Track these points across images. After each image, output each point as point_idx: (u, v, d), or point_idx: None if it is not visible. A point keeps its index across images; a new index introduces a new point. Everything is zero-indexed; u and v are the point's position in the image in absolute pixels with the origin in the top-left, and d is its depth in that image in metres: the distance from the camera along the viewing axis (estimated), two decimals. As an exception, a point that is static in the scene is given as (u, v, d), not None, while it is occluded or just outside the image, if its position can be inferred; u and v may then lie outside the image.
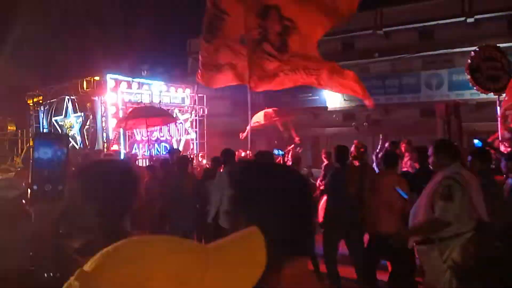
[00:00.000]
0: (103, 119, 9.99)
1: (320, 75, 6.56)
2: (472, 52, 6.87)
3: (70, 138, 11.02)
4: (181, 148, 10.86)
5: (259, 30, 6.47)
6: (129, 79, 10.51)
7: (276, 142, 9.18)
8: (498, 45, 7.17)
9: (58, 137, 1.18)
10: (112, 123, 9.85)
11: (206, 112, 12.09)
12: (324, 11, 6.29)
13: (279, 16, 6.42)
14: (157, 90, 11.00)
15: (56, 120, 11.86)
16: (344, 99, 19.09)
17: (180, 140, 11.50)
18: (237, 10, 6.60)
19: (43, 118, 12.41)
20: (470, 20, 16.29)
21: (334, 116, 19.32)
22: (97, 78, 10.30)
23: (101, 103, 10.02)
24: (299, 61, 6.56)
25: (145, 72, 11.99)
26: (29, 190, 1.12)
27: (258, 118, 9.46)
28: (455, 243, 3.02)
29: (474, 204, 3.07)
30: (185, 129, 11.51)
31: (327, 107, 19.29)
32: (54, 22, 16.81)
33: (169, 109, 10.73)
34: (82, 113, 10.78)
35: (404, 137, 9.17)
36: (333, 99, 19.17)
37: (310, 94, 19.67)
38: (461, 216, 3.05)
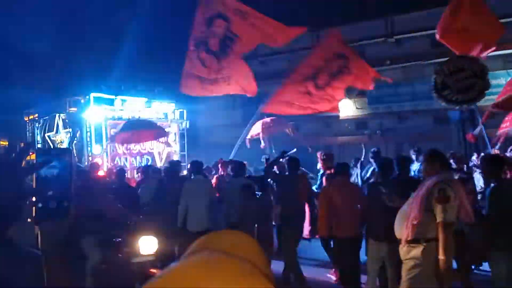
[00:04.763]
0: (88, 134, 10.74)
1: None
2: (434, 74, 6.63)
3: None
4: (163, 160, 11.53)
5: (202, 35, 7.14)
6: (112, 96, 11.18)
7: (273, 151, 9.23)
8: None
9: (61, 152, 1.14)
10: (96, 138, 10.65)
11: (188, 126, 12.81)
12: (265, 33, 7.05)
13: (226, 26, 7.00)
14: (139, 106, 11.75)
15: (48, 136, 12.72)
16: (356, 108, 19.01)
17: (161, 152, 12.03)
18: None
19: (37, 134, 13.27)
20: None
21: (346, 124, 19.21)
22: (82, 96, 11.16)
23: (85, 119, 10.81)
24: (232, 71, 7.16)
25: (156, 91, 12.50)
26: (33, 208, 1.09)
27: (257, 127, 9.55)
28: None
29: (465, 208, 3.42)
30: (167, 142, 12.08)
31: (338, 116, 19.19)
32: (46, 40, 17.42)
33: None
34: (71, 129, 11.54)
35: (417, 145, 9.06)
36: (345, 108, 19.09)
37: (322, 103, 19.63)
38: None
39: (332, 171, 5.81)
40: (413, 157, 7.15)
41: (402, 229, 3.50)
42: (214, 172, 8.28)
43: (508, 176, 4.97)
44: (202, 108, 18.35)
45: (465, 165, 6.69)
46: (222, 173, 7.65)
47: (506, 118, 7.12)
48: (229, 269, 0.55)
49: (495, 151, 6.73)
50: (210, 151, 15.92)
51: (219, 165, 7.96)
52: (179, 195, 5.60)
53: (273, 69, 20.22)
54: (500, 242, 3.91)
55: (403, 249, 3.53)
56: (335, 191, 4.79)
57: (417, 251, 3.38)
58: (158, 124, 10.60)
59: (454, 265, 5.24)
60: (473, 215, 3.48)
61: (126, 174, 7.40)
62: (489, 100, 12.34)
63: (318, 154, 6.74)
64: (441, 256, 3.28)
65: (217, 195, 6.34)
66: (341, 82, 7.14)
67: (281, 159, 6.11)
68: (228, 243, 0.62)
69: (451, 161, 7.59)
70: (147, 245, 4.39)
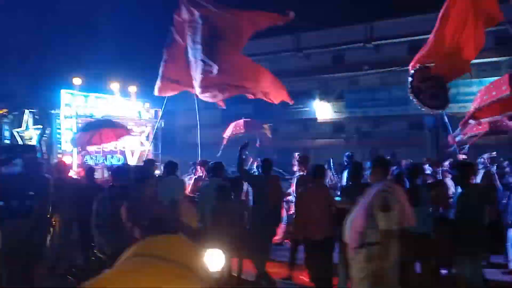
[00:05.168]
0: (58, 131, 10.68)
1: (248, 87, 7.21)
2: (410, 77, 6.91)
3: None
4: (135, 159, 11.42)
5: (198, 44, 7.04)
6: (84, 93, 11.11)
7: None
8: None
9: (26, 150, 1.09)
10: (66, 135, 10.49)
11: (162, 125, 12.85)
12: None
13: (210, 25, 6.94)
14: (113, 104, 11.64)
15: (17, 132, 12.49)
16: (334, 111, 19.22)
17: (134, 151, 12.01)
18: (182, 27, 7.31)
19: (5, 129, 13.03)
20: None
21: (324, 127, 19.41)
22: (53, 92, 10.99)
23: (56, 116, 10.71)
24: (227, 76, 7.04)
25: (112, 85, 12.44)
26: None
27: (230, 128, 9.57)
28: (380, 248, 3.42)
29: (407, 213, 3.51)
30: (140, 142, 12.06)
31: (317, 119, 19.39)
32: (18, 35, 16.94)
33: (123, 122, 11.23)
34: (41, 126, 11.37)
35: (393, 149, 9.24)
36: (323, 111, 19.29)
37: (301, 106, 19.80)
38: None
39: (304, 173, 5.84)
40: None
41: (349, 235, 3.62)
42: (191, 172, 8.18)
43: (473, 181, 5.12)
44: (180, 108, 18.15)
45: (440, 170, 6.86)
46: (201, 174, 7.53)
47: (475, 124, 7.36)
48: (158, 273, 0.56)
49: (462, 156, 6.93)
50: (188, 151, 15.76)
51: (198, 166, 7.85)
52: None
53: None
54: (465, 246, 4.04)
55: (350, 255, 3.63)
56: (309, 193, 4.83)
57: (360, 256, 3.49)
58: (120, 123, 10.43)
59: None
60: (414, 220, 3.57)
61: (95, 173, 7.18)
62: (462, 108, 12.73)
63: (295, 156, 6.76)
64: (376, 261, 3.39)
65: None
66: (228, 47, 6.78)
67: (243, 155, 6.01)
68: (162, 248, 0.64)
69: (426, 166, 7.77)
70: (214, 260, 3.66)
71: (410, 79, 6.75)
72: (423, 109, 6.98)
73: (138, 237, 3.72)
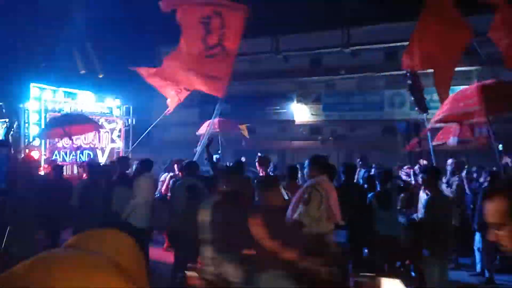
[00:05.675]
0: (26, 125, 10.48)
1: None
2: (407, 74, 7.02)
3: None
4: (105, 156, 11.39)
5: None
6: (54, 88, 10.89)
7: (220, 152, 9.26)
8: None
9: None
10: (34, 130, 10.28)
11: (134, 122, 12.70)
12: None
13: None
14: (83, 99, 11.47)
15: None
16: (312, 114, 19.40)
17: (104, 148, 11.83)
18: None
19: None
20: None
21: (301, 129, 19.56)
22: (21, 85, 10.75)
23: (24, 110, 10.51)
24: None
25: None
26: None
27: (204, 127, 9.61)
28: None
29: (332, 211, 3.66)
30: (111, 138, 11.88)
31: (294, 121, 19.52)
32: None
33: (95, 118, 11.07)
34: (8, 119, 11.15)
35: (367, 153, 9.39)
36: (300, 113, 19.44)
37: (278, 107, 19.90)
38: (321, 219, 3.66)
39: (264, 173, 5.91)
40: (358, 165, 7.41)
41: None
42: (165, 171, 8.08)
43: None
44: (156, 105, 17.93)
45: (412, 174, 7.02)
46: (178, 172, 7.36)
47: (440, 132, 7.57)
48: (78, 265, 0.57)
49: (423, 162, 7.13)
50: (165, 149, 15.57)
51: (175, 165, 7.75)
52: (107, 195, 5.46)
53: (233, 70, 20.17)
54: (434, 247, 4.15)
55: None
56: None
57: None
58: (90, 118, 10.23)
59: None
60: (340, 218, 3.76)
61: (63, 170, 7.01)
62: (430, 114, 12.99)
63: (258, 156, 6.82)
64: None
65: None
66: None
67: (212, 156, 6.00)
68: (96, 242, 0.65)
69: (401, 172, 7.90)
70: None
71: (408, 77, 6.83)
72: (416, 108, 7.09)
73: (293, 259, 2.98)
